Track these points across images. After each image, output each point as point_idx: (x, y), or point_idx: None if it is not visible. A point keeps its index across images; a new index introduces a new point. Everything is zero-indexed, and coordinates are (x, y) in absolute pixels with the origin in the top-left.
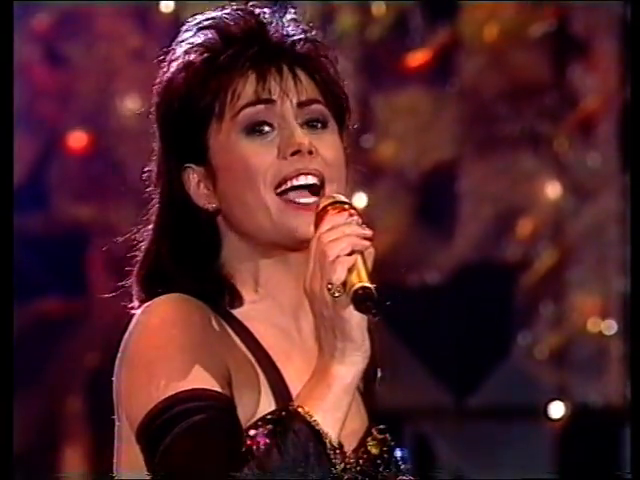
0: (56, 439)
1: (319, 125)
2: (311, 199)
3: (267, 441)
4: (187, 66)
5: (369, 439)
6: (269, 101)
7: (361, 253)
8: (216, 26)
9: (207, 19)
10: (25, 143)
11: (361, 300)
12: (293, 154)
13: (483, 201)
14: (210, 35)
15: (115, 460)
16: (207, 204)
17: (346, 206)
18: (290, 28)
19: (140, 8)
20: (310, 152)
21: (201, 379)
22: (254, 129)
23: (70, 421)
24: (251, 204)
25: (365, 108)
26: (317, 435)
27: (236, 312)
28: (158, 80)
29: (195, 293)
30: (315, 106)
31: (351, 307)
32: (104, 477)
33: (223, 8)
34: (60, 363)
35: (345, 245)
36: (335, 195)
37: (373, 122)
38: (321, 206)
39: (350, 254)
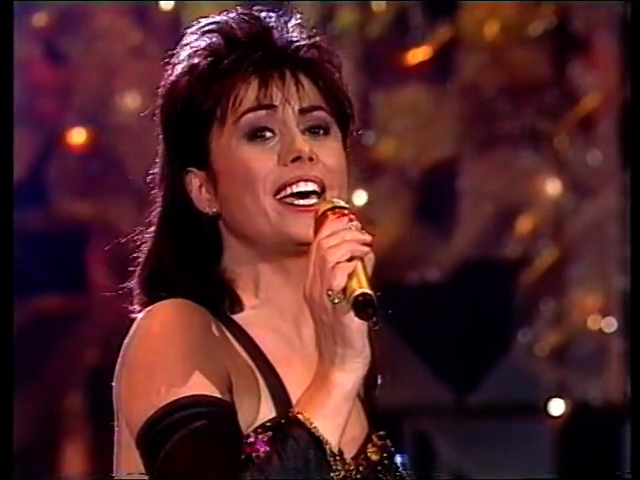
0: (56, 436)
1: (321, 132)
2: (310, 200)
3: (267, 448)
4: (191, 69)
5: (369, 445)
6: (270, 107)
7: (361, 259)
8: (220, 30)
9: (212, 23)
10: (25, 140)
11: (361, 307)
12: (293, 161)
13: (483, 198)
14: (214, 39)
15: (115, 466)
16: (208, 208)
17: (346, 211)
18: (295, 33)
19: (140, 5)
20: (311, 159)
21: (202, 385)
22: (255, 134)
23: (70, 418)
24: (251, 209)
25: (365, 106)
26: (317, 442)
27: (236, 317)
28: (162, 83)
29: (196, 297)
30: (317, 112)
31: (351, 313)
32: (104, 477)
33: (228, 12)
34: (60, 360)
35: (345, 251)
36: (335, 200)
37: (373, 120)
38: (321, 211)
39: (350, 260)
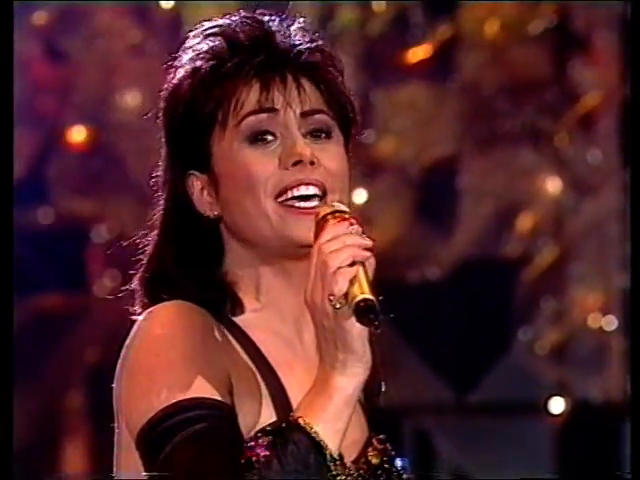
0: (56, 435)
1: (323, 135)
2: (312, 203)
3: (267, 453)
4: (193, 72)
5: (369, 449)
6: (272, 110)
7: (362, 264)
8: (223, 33)
9: (214, 26)
10: (25, 138)
11: (363, 312)
12: (295, 164)
13: (483, 197)
14: (217, 42)
15: (115, 467)
16: (210, 211)
17: (346, 215)
18: (297, 37)
19: (140, 4)
20: (312, 162)
21: (202, 388)
22: (256, 138)
23: (70, 417)
24: (252, 212)
25: (365, 104)
26: (317, 446)
27: (238, 320)
28: (165, 86)
29: (197, 299)
30: (319, 116)
31: (352, 319)
32: (104, 477)
33: (231, 15)
34: (60, 359)
35: (346, 256)
36: (335, 204)
37: (373, 118)
38: (321, 215)
39: (351, 265)
